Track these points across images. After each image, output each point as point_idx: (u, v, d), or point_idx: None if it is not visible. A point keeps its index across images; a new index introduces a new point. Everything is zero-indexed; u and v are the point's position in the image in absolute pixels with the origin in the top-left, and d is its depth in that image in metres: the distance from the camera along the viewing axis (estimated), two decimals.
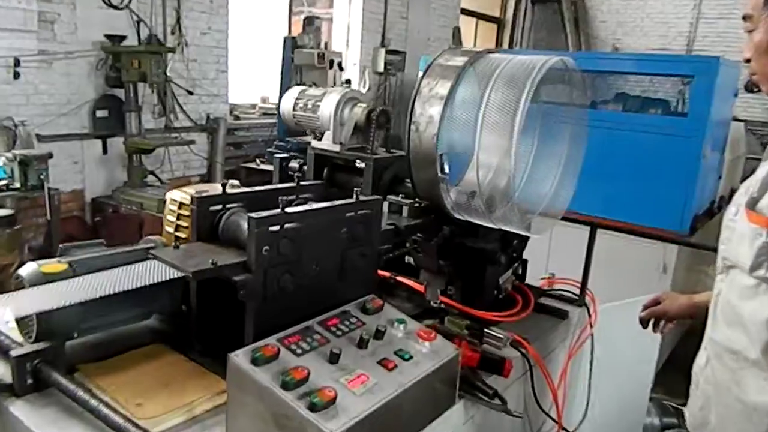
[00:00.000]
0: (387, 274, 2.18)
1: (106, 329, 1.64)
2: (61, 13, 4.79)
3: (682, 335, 4.84)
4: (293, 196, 1.89)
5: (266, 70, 7.50)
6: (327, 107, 2.48)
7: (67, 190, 5.07)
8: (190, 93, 5.94)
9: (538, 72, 1.75)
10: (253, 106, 7.51)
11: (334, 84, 6.87)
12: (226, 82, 6.65)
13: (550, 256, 3.18)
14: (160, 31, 5.64)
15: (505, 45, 12.28)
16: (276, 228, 1.49)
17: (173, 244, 1.53)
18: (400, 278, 2.15)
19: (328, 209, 1.63)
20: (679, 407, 4.08)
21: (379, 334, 1.50)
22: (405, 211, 2.10)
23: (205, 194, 1.66)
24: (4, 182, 4.26)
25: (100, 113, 5.14)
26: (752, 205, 1.41)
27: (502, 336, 1.85)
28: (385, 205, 2.15)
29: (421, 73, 2.06)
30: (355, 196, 1.70)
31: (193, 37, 6.05)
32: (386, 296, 2.25)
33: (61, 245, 1.66)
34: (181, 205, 1.85)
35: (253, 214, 1.45)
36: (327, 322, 1.53)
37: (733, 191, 6.52)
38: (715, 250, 1.64)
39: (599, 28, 12.24)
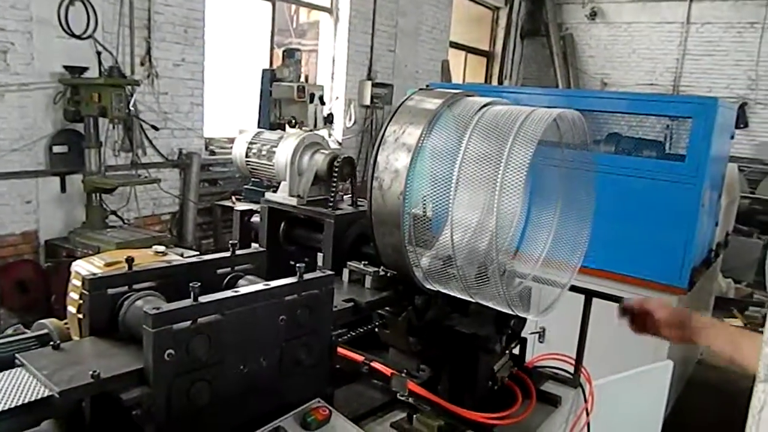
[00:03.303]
0: (359, 357, 1.82)
1: None
2: (15, 42, 4.46)
3: (678, 396, 4.50)
4: (227, 269, 1.54)
5: (246, 103, 7.22)
6: (283, 154, 2.15)
7: (17, 231, 4.68)
8: (156, 128, 5.60)
9: (539, 124, 1.45)
10: (231, 140, 7.19)
11: (315, 119, 6.58)
12: (201, 115, 6.32)
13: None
14: (128, 62, 5.33)
15: (495, 79, 12.12)
16: (185, 324, 1.14)
17: (52, 343, 1.17)
18: (376, 365, 1.77)
19: (261, 293, 1.29)
20: None
21: None
22: (368, 281, 1.76)
23: (104, 274, 1.31)
24: None
25: (57, 149, 4.78)
26: None
27: None
28: (346, 272, 1.82)
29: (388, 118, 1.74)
30: (298, 274, 1.36)
31: (164, 69, 5.74)
32: (354, 379, 1.92)
33: None
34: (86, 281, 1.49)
35: (149, 308, 1.10)
36: None
37: (728, 236, 6.27)
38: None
39: (588, 63, 12.15)
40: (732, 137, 4.62)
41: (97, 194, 4.85)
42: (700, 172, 3.64)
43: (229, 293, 1.23)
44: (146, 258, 1.57)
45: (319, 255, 2.11)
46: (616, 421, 2.41)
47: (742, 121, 10.01)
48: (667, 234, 3.65)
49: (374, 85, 8.75)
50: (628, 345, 3.78)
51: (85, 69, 4.71)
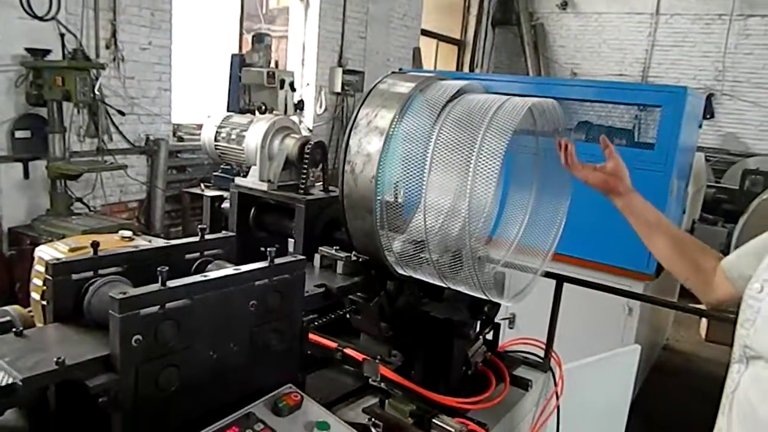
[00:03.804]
0: (331, 343, 1.80)
1: None
2: None
3: (645, 380, 4.60)
4: (196, 254, 1.51)
5: (215, 89, 7.09)
6: (253, 138, 2.12)
7: None
8: (122, 113, 5.47)
9: (513, 114, 1.44)
10: (200, 126, 7.05)
11: (286, 105, 6.50)
12: (168, 100, 6.18)
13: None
14: (93, 45, 5.18)
15: (466, 67, 12.12)
16: (153, 309, 1.12)
17: (14, 330, 1.13)
18: (349, 351, 1.75)
19: (231, 278, 1.26)
20: None
21: None
22: (339, 266, 1.75)
23: (67, 259, 1.27)
24: None
25: (20, 134, 4.63)
26: None
27: (453, 430, 1.50)
28: (317, 258, 1.80)
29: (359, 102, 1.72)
30: (268, 258, 1.34)
31: (131, 52, 5.59)
32: (326, 364, 1.91)
33: None
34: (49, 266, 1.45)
35: (116, 293, 1.07)
36: None
37: (694, 224, 6.39)
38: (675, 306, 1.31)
39: (558, 52, 12.23)
40: (700, 126, 4.70)
41: (62, 181, 4.72)
42: (668, 160, 3.70)
43: (198, 278, 1.21)
44: (112, 243, 1.53)
45: (291, 241, 2.09)
46: (585, 404, 2.44)
47: (708, 112, 10.20)
48: None
49: (345, 72, 8.66)
50: (597, 330, 3.87)
51: (48, 51, 4.56)
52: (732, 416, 1.21)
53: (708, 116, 10.19)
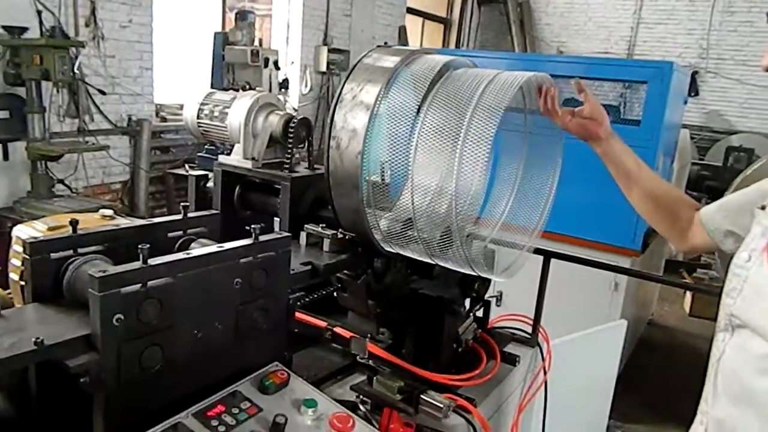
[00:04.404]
0: (322, 323, 1.78)
1: None
2: None
3: (630, 355, 4.64)
4: (179, 232, 1.48)
5: (198, 68, 6.98)
6: (236, 115, 2.08)
7: None
8: (103, 93, 5.36)
9: (510, 87, 1.41)
10: (183, 107, 6.96)
11: (270, 84, 6.43)
12: (150, 80, 6.07)
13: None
14: (71, 23, 5.06)
15: (452, 45, 12.03)
16: (135, 288, 1.09)
17: None
18: (341, 331, 1.73)
19: (215, 256, 1.24)
20: None
21: (277, 429, 1.12)
22: (326, 244, 1.73)
23: (46, 237, 1.24)
24: None
25: None
26: None
27: (441, 405, 1.49)
28: (303, 236, 1.78)
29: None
30: (253, 235, 1.32)
31: (111, 30, 5.47)
32: (314, 343, 1.89)
33: None
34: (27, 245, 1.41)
35: (95, 271, 1.04)
36: (207, 412, 1.14)
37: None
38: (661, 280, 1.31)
39: (544, 30, 12.17)
40: (685, 102, 4.71)
41: (43, 162, 4.64)
42: (654, 135, 3.70)
43: (180, 255, 1.18)
44: (93, 222, 1.50)
45: (276, 220, 2.06)
46: (572, 379, 2.46)
47: (693, 89, 10.23)
48: (622, 198, 3.69)
49: (330, 50, 8.57)
50: (583, 306, 3.89)
51: (25, 29, 4.45)
52: (717, 384, 1.21)
53: (693, 94, 10.22)
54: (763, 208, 1.23)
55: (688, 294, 6.21)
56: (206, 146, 5.87)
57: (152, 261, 1.12)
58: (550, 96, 1.56)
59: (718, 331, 1.25)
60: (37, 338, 1.01)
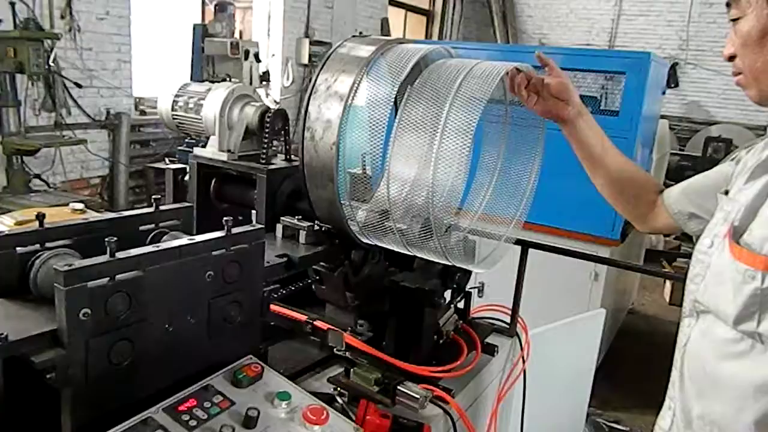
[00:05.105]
0: (300, 316, 1.77)
1: None
2: None
3: (611, 343, 4.69)
4: (151, 225, 1.46)
5: (177, 61, 6.90)
6: (211, 107, 2.05)
7: None
8: (79, 86, 5.28)
9: (493, 78, 1.40)
10: None
11: (251, 77, 6.37)
12: (129, 73, 5.99)
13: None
14: (46, 14, 4.98)
15: (435, 38, 12.02)
16: (102, 282, 1.07)
17: None
18: (319, 324, 1.73)
19: (185, 248, 1.22)
20: (612, 425, 3.89)
21: (249, 422, 1.11)
22: (302, 236, 1.71)
23: (11, 231, 1.21)
24: None
25: None
26: (737, 236, 1.08)
27: (418, 396, 1.49)
28: (279, 228, 1.76)
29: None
30: (225, 227, 1.30)
31: (87, 22, 5.38)
32: (292, 335, 1.88)
33: None
34: None
35: (61, 265, 1.02)
36: (178, 407, 1.12)
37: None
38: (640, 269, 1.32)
39: (526, 22, 12.20)
40: (663, 93, 4.74)
41: (19, 157, 4.58)
42: (633, 125, 3.72)
43: (150, 248, 1.16)
44: (63, 216, 1.48)
45: (253, 213, 2.04)
46: (551, 369, 2.48)
47: (673, 81, 10.31)
48: None
49: (312, 43, 8.51)
50: (563, 296, 3.91)
51: None
52: (684, 369, 1.22)
53: (672, 85, 10.30)
54: (726, 192, 1.24)
55: (668, 283, 6.29)
56: (186, 140, 5.81)
57: (120, 254, 1.10)
58: (517, 83, 1.54)
59: (683, 316, 1.26)
60: (1, 334, 0.99)
